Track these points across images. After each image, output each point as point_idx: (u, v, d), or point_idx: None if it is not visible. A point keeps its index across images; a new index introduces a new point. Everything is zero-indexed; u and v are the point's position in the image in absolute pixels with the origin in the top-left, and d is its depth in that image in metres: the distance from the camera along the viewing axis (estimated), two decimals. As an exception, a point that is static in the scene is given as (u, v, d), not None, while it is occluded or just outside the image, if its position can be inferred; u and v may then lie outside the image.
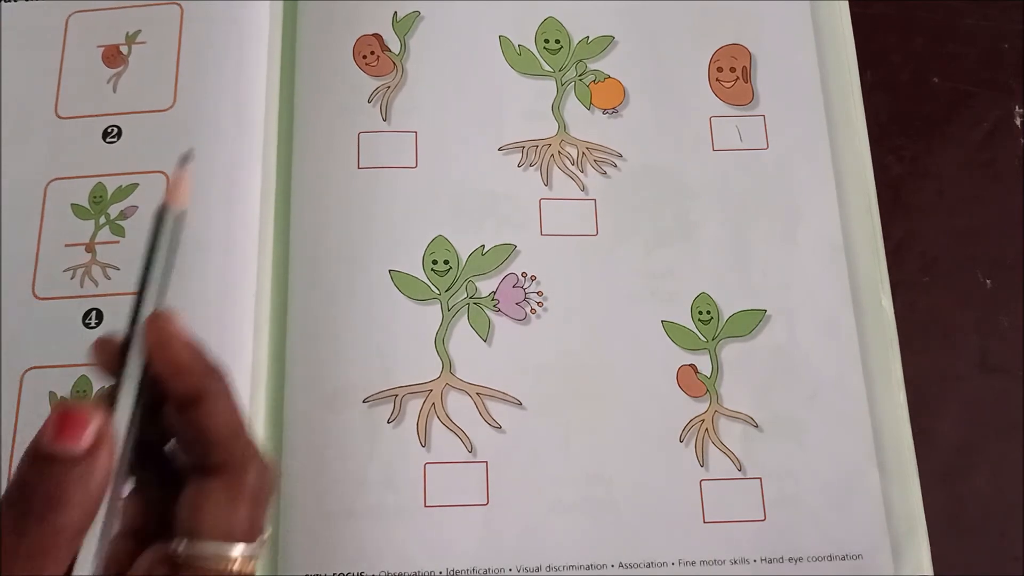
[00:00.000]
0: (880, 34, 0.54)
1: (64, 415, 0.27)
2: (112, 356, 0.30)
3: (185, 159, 0.31)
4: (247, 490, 0.30)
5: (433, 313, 0.47)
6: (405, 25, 0.52)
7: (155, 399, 0.29)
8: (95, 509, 0.27)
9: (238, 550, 0.29)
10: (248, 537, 0.29)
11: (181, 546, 0.29)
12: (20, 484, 0.26)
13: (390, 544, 0.40)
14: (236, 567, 0.29)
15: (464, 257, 0.48)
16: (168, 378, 0.29)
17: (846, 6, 0.53)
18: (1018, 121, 0.53)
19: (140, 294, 0.30)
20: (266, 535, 0.31)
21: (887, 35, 0.54)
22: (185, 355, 0.29)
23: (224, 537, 0.29)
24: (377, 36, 0.52)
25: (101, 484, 0.27)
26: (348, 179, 0.49)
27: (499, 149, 0.50)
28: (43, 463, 0.26)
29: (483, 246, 0.49)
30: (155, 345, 0.29)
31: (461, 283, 0.48)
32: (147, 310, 0.30)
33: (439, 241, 0.48)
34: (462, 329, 0.47)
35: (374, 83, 0.51)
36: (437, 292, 0.48)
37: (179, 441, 0.31)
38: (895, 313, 0.48)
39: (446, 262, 0.48)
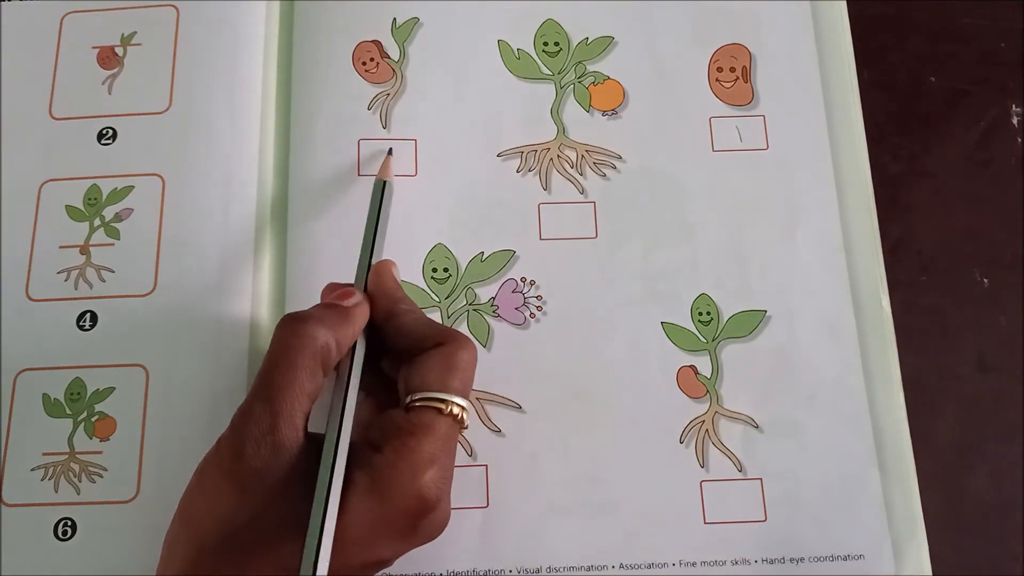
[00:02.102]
0: (877, 33, 0.54)
1: (344, 291, 0.41)
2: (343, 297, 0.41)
3: (390, 151, 0.49)
4: (456, 358, 0.39)
5: (433, 320, 0.47)
6: (404, 32, 0.52)
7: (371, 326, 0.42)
8: (349, 344, 0.40)
9: (456, 399, 0.39)
10: (461, 394, 0.39)
11: (410, 398, 0.39)
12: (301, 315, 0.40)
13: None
14: (455, 411, 0.38)
15: (463, 264, 0.48)
16: (377, 298, 0.42)
17: (844, 6, 0.53)
18: (1015, 120, 0.53)
19: (372, 243, 0.44)
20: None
21: (884, 34, 0.54)
22: (390, 285, 0.42)
23: (444, 389, 0.39)
24: (376, 43, 0.51)
25: (356, 330, 0.40)
26: (348, 186, 0.49)
27: (498, 155, 0.50)
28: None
29: (482, 253, 0.49)
30: (374, 275, 0.43)
31: (460, 290, 0.48)
32: (374, 258, 0.44)
33: (439, 249, 0.48)
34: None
35: (374, 90, 0.51)
36: (437, 300, 0.48)
37: (395, 345, 0.41)
38: (892, 313, 0.48)
39: (445, 270, 0.48)
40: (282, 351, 0.38)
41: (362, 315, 0.41)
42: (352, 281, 0.43)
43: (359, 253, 0.44)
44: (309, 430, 0.39)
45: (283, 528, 0.35)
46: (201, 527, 0.36)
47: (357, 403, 0.40)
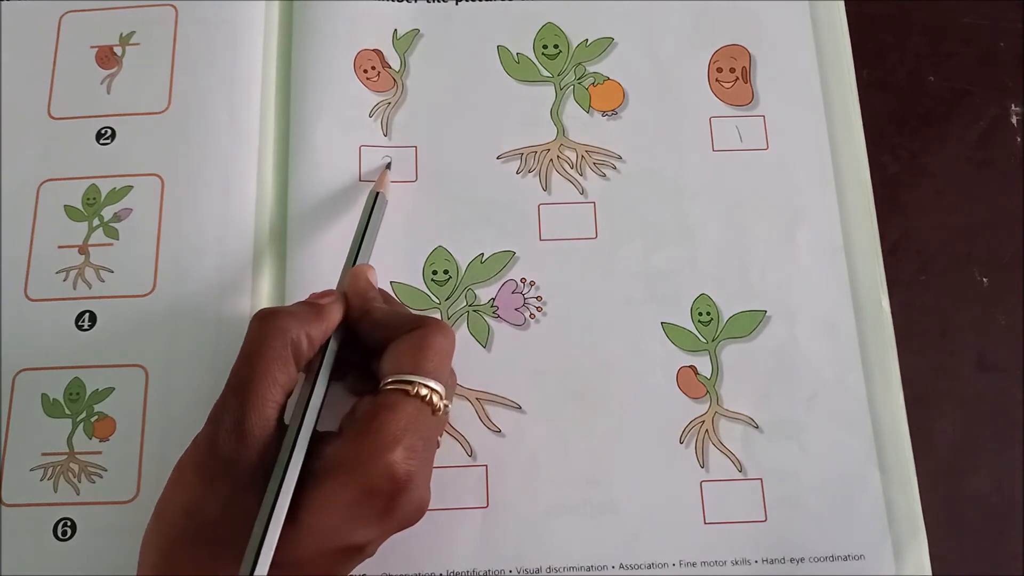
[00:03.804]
0: (877, 33, 0.54)
1: (322, 292, 0.42)
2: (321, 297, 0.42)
3: (388, 165, 0.49)
4: (428, 341, 0.39)
5: (433, 322, 0.47)
6: (405, 43, 0.52)
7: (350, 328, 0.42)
8: (322, 339, 0.40)
9: (426, 381, 0.38)
10: (434, 377, 0.38)
11: (382, 383, 0.39)
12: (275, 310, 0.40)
13: (391, 547, 0.40)
14: (425, 392, 0.38)
15: (463, 266, 0.48)
16: (350, 297, 0.42)
17: (842, 6, 0.53)
18: (1014, 120, 0.53)
19: (357, 250, 0.45)
20: (450, 392, 0.41)
21: (884, 34, 0.54)
22: (363, 285, 0.42)
23: (414, 371, 0.38)
24: (378, 52, 0.51)
25: (328, 327, 0.41)
26: (348, 190, 0.49)
27: (498, 158, 0.50)
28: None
29: (482, 254, 0.49)
30: (349, 278, 0.43)
31: (461, 291, 0.48)
32: (357, 261, 0.44)
33: (439, 252, 0.49)
34: (462, 336, 0.47)
35: (375, 98, 0.51)
36: (437, 301, 0.48)
37: (372, 340, 0.41)
38: (892, 312, 0.48)
39: (446, 272, 0.48)
40: (254, 343, 0.38)
41: (336, 312, 0.41)
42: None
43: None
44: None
45: (251, 520, 0.35)
46: (173, 521, 0.37)
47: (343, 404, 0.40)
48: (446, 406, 0.40)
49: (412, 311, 0.47)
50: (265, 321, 0.39)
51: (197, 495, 0.36)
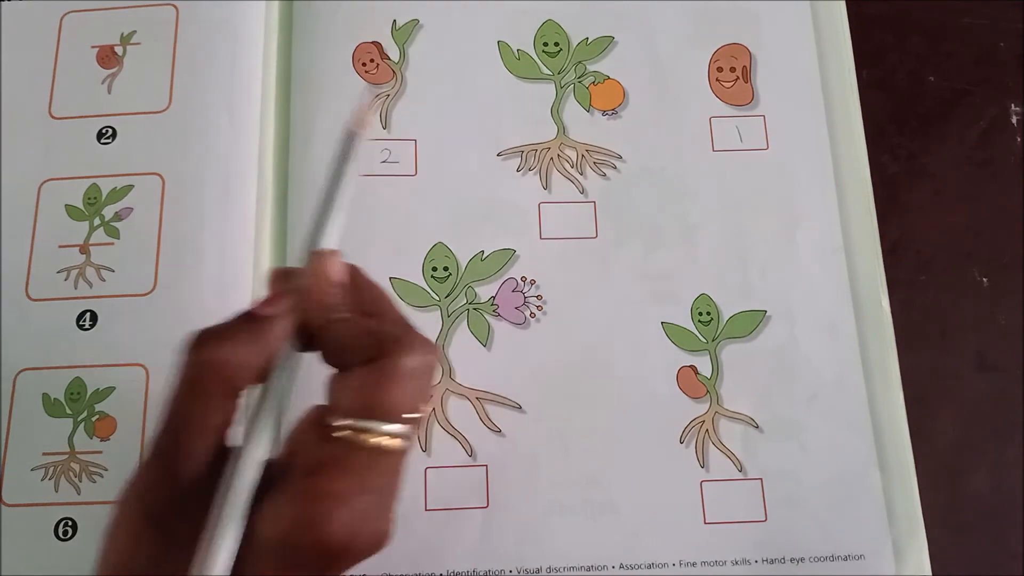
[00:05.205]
0: (877, 33, 0.54)
1: (272, 295, 0.33)
2: (280, 279, 0.34)
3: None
4: (396, 368, 0.31)
5: (433, 320, 0.47)
6: (404, 33, 0.52)
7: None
8: (264, 362, 0.32)
9: (386, 427, 0.31)
10: (395, 413, 0.31)
11: (332, 423, 0.31)
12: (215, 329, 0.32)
13: (391, 547, 0.40)
14: (384, 442, 0.31)
15: (464, 263, 0.48)
16: (309, 304, 0.33)
17: (843, 6, 0.53)
18: (1014, 119, 0.53)
19: (324, 221, 0.34)
20: (420, 415, 0.33)
21: (884, 34, 0.54)
22: (324, 288, 0.33)
23: (369, 415, 0.31)
24: (376, 44, 0.51)
25: (271, 353, 0.32)
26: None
27: (498, 155, 0.50)
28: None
29: (482, 252, 0.49)
30: (309, 274, 0.33)
31: (461, 289, 0.48)
32: (322, 238, 0.34)
33: (439, 248, 0.48)
34: (462, 335, 0.47)
35: (374, 91, 0.51)
36: (437, 299, 0.48)
37: (332, 360, 0.33)
38: (891, 312, 0.48)
39: (445, 268, 0.48)
40: (184, 382, 0.32)
41: (281, 330, 0.33)
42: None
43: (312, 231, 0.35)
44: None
45: None
46: None
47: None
48: (413, 435, 0.33)
49: (397, 314, 0.35)
50: (198, 354, 0.32)
51: (129, 548, 0.31)
